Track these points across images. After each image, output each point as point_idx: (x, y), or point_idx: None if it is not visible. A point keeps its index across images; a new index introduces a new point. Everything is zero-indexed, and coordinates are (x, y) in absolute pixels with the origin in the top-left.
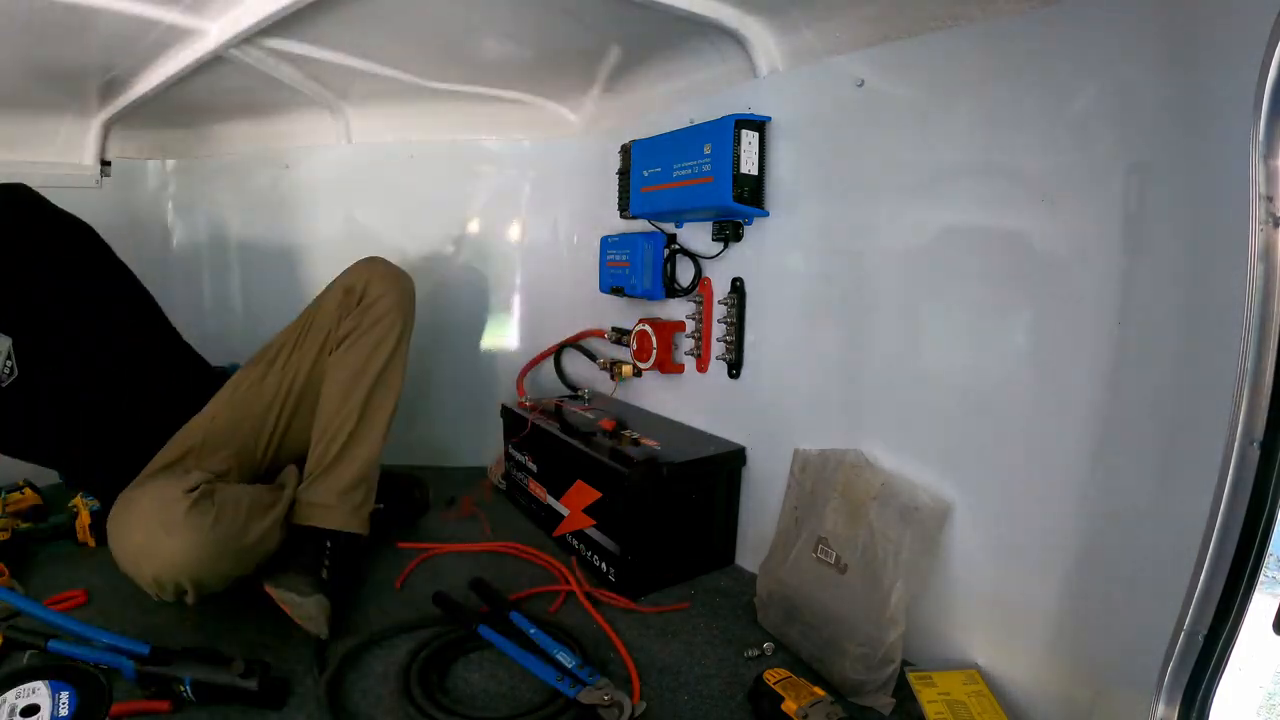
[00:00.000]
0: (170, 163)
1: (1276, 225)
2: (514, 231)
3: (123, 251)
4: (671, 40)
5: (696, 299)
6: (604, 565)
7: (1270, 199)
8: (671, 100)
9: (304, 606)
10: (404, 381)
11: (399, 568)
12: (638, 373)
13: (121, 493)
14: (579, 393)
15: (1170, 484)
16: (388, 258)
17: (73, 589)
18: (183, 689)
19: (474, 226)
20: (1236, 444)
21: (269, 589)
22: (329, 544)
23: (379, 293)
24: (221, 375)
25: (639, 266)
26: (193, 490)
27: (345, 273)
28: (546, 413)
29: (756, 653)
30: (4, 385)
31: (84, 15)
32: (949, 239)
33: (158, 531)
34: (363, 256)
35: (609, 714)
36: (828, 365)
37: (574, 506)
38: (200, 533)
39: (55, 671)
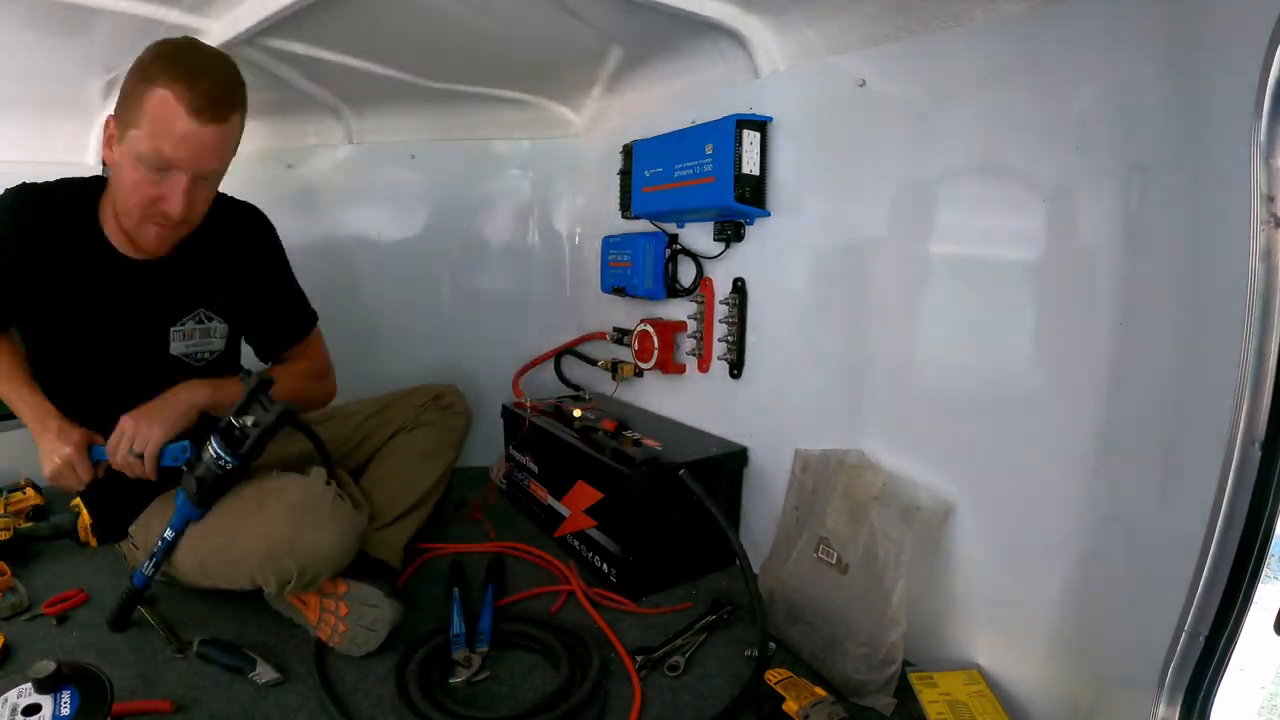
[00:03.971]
0: None
1: (1277, 225)
2: (515, 231)
3: None
4: (673, 40)
5: (698, 299)
6: (605, 566)
7: (1271, 199)
8: (673, 100)
9: (379, 609)
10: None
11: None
12: (639, 373)
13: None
14: (580, 393)
15: (1171, 484)
16: (388, 262)
17: (74, 588)
18: None
19: (475, 227)
20: (1238, 444)
21: (346, 585)
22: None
23: (460, 409)
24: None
25: (640, 266)
26: (329, 483)
27: (436, 386)
28: (547, 413)
29: (755, 651)
30: (201, 364)
31: (86, 15)
32: (950, 239)
33: (306, 522)
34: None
35: None
36: (829, 365)
37: (575, 507)
38: (345, 523)
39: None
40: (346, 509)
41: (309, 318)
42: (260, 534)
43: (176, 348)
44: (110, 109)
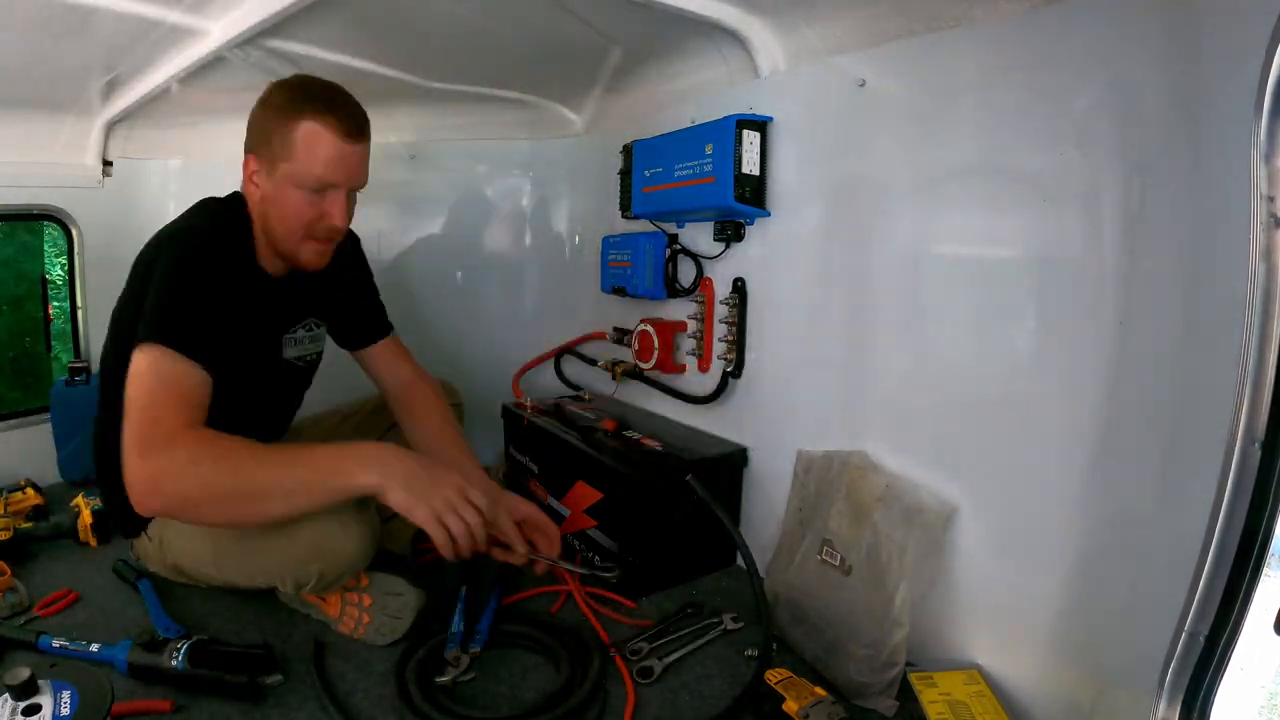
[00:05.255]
0: (172, 163)
1: (1277, 225)
2: (515, 232)
3: (124, 252)
4: (673, 40)
5: (698, 299)
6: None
7: (1271, 199)
8: (673, 100)
9: (403, 598)
10: None
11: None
12: (638, 372)
13: None
14: (580, 393)
15: (1171, 485)
16: (387, 262)
17: (68, 589)
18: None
19: (475, 227)
20: (1238, 444)
21: (368, 578)
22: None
23: (449, 398)
24: None
25: (641, 266)
26: None
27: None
28: (547, 413)
29: (757, 651)
30: (305, 366)
31: (86, 15)
32: (951, 239)
33: (333, 528)
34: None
35: None
36: (830, 366)
37: (575, 507)
38: (366, 527)
39: (57, 671)
40: (369, 514)
41: (387, 323)
42: (285, 536)
43: (289, 352)
44: (110, 110)
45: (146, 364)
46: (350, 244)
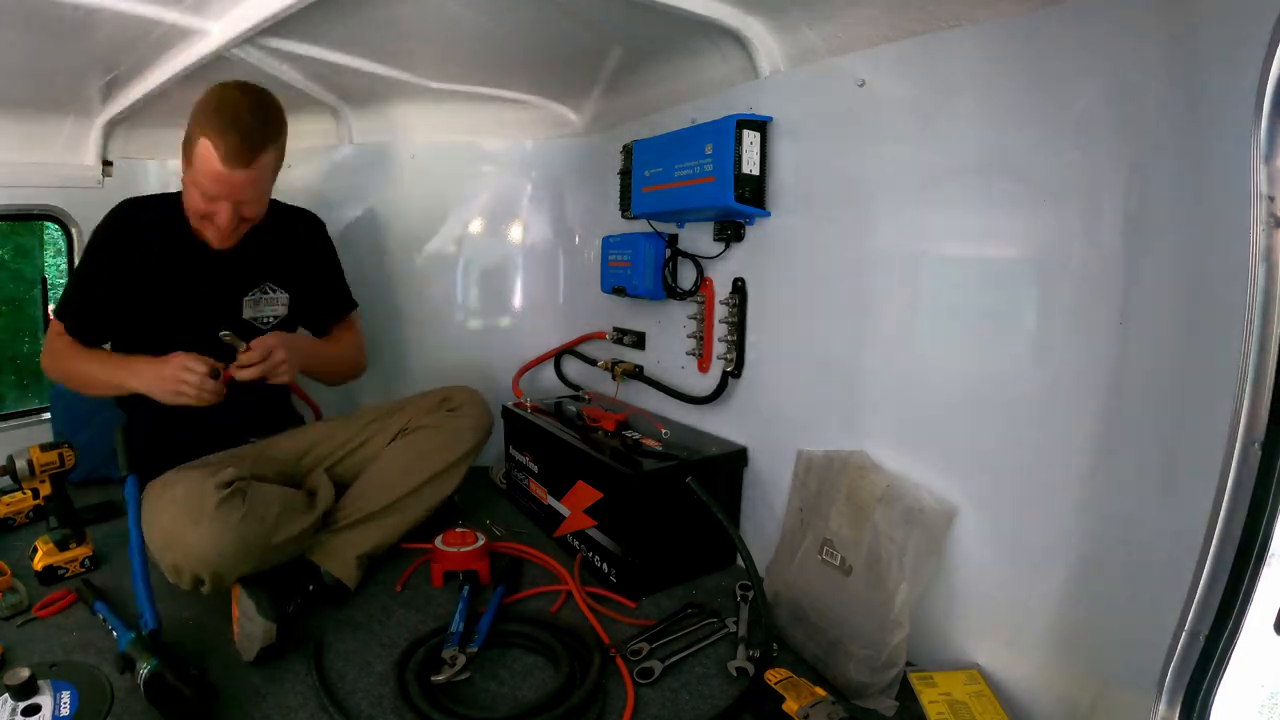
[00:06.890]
0: (172, 163)
1: (1277, 225)
2: (515, 231)
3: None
4: (673, 40)
5: (698, 299)
6: (605, 566)
7: (1271, 199)
8: (673, 100)
9: (252, 624)
10: (451, 495)
11: (399, 570)
12: (639, 370)
13: (161, 475)
14: (580, 393)
15: (1171, 484)
16: (387, 262)
17: (67, 589)
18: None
19: (475, 226)
20: (1238, 444)
21: (237, 588)
22: (313, 587)
23: (469, 412)
24: None
25: (641, 267)
26: (228, 485)
27: (448, 388)
28: (547, 413)
29: (758, 653)
30: (268, 327)
31: (86, 15)
32: (950, 239)
33: (184, 520)
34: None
35: None
36: (830, 366)
37: (575, 507)
38: (226, 527)
39: (57, 671)
40: (233, 515)
41: (349, 303)
42: (151, 521)
43: (247, 313)
44: (110, 110)
45: (51, 329)
46: (314, 228)
